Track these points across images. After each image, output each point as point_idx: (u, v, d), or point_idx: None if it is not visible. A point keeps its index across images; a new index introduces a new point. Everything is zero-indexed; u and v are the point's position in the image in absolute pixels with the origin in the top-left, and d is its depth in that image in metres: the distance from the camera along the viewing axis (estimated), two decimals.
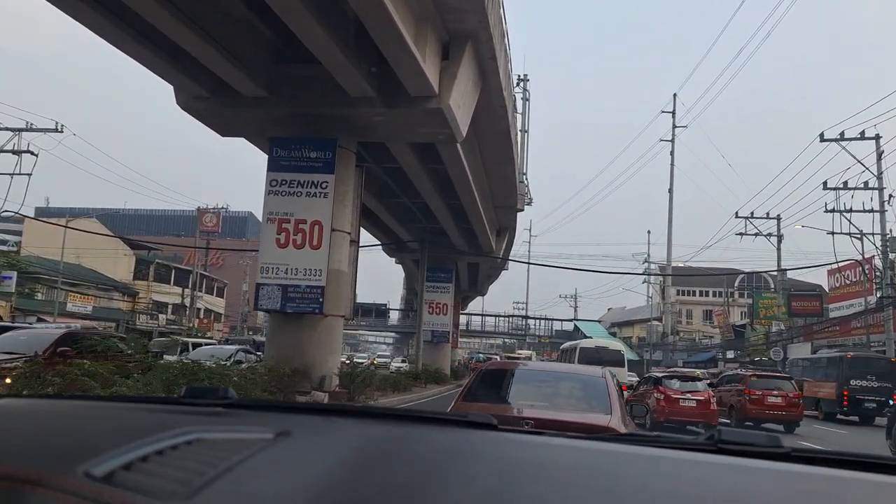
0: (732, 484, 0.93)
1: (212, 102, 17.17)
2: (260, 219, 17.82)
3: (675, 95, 64.29)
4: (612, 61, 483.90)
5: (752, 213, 42.22)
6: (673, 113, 63.78)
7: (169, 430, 1.00)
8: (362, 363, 25.13)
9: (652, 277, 66.95)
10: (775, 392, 19.72)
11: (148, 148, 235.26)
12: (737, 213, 42.36)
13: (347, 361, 21.34)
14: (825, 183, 34.11)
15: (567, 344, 29.87)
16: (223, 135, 19.00)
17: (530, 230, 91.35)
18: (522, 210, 34.40)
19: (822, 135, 33.58)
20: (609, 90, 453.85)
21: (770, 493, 0.89)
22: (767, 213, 41.94)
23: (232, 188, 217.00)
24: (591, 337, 33.34)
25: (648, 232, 76.81)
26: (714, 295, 72.39)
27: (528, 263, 56.14)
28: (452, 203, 29.45)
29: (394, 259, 47.58)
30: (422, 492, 0.85)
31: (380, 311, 75.72)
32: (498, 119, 21.77)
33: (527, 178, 33.91)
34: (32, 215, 55.69)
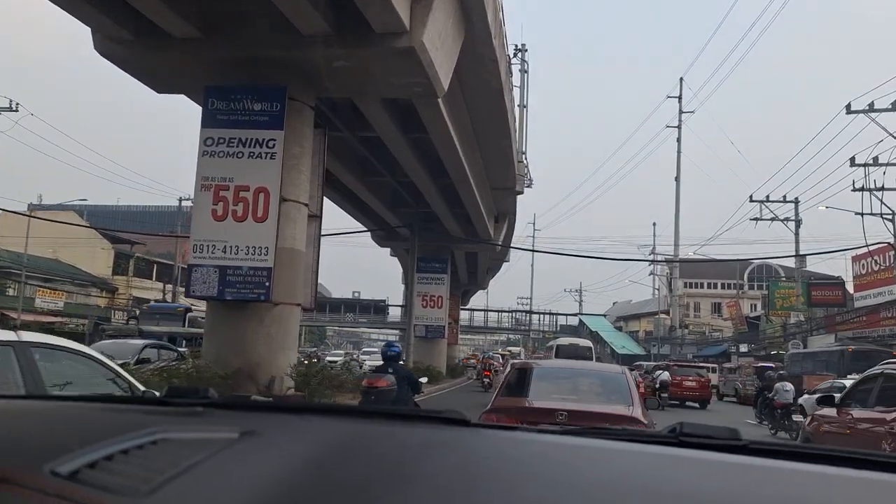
0: (692, 476, 0.94)
1: (136, 47, 13.84)
2: None
3: (681, 80, 60.68)
4: (615, 47, 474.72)
5: (767, 197, 38.84)
6: (679, 98, 60.23)
7: (137, 429, 1.00)
8: (336, 361, 21.95)
9: (658, 269, 63.57)
10: (691, 378, 26.02)
11: (149, 143, 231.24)
12: (751, 196, 38.95)
13: (306, 360, 17.97)
14: (853, 159, 30.66)
15: (550, 342, 34.15)
16: (158, 90, 15.69)
17: (534, 224, 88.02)
18: (522, 192, 31.02)
19: (848, 106, 30.12)
20: (613, 77, 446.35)
21: (727, 484, 0.90)
22: (784, 197, 38.54)
23: None
24: (570, 338, 33.13)
25: (654, 224, 73.38)
26: (723, 287, 68.89)
27: (531, 251, 52.94)
28: (443, 183, 26.10)
29: (388, 251, 44.33)
30: (387, 487, 0.83)
31: (378, 308, 72.75)
32: (488, 76, 18.41)
33: (526, 158, 30.63)
34: (27, 211, 52.75)
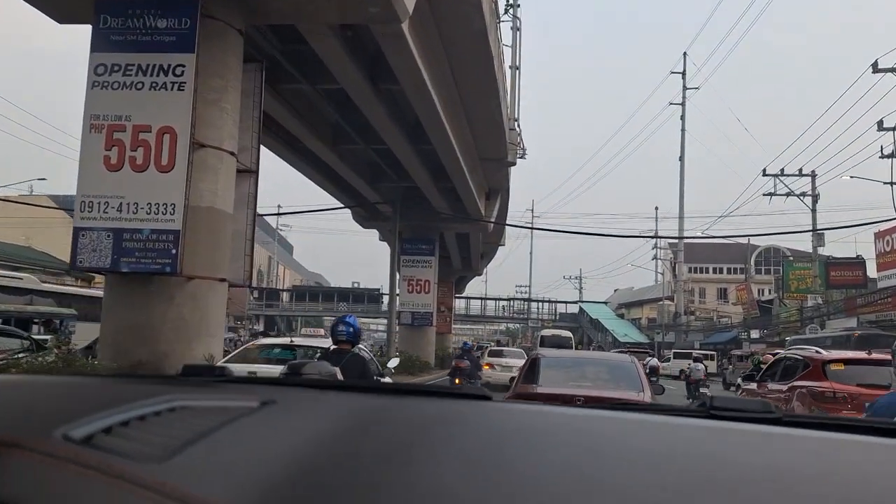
0: (724, 446, 0.92)
1: None
2: None
3: (684, 54, 57.77)
4: (614, 24, 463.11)
5: (782, 171, 35.64)
6: (683, 73, 57.20)
7: (154, 398, 0.97)
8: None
9: (661, 253, 60.43)
10: None
11: None
12: (764, 170, 35.84)
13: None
14: (880, 122, 27.53)
15: (537, 333, 38.50)
16: (59, 20, 12.54)
17: (532, 210, 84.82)
18: (514, 164, 27.80)
19: (875, 64, 26.94)
20: (613, 55, 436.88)
21: (761, 453, 0.88)
22: (800, 170, 35.36)
23: None
24: (556, 333, 34.10)
25: (656, 208, 70.00)
26: (729, 272, 65.76)
27: (528, 227, 49.92)
28: (424, 150, 22.93)
29: (378, 235, 41.17)
30: (407, 458, 0.81)
31: (372, 297, 69.64)
32: (468, 8, 15.24)
33: (519, 126, 27.38)
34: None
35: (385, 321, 71.74)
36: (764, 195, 35.66)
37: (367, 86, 17.05)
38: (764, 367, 11.71)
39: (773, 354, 15.15)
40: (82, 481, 0.73)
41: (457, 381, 13.28)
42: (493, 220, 32.53)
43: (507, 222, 37.74)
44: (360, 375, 5.75)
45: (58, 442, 0.79)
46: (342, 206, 27.93)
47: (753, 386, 10.82)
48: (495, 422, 1.02)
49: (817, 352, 10.39)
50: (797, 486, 0.76)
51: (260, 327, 67.85)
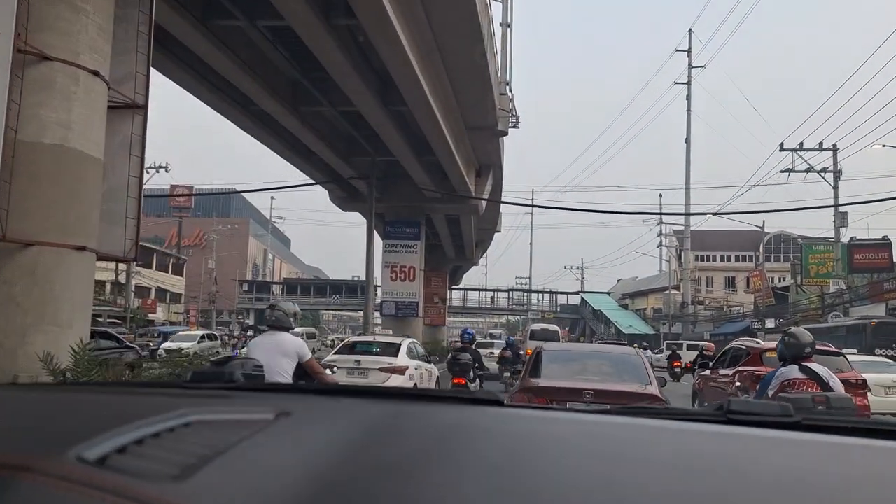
0: (743, 453, 0.90)
1: None
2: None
3: (690, 31, 54.25)
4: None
5: (800, 145, 32.33)
6: (689, 51, 53.85)
7: (166, 413, 0.94)
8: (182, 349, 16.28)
9: (667, 240, 57.17)
10: None
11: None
12: (782, 144, 32.48)
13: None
14: None
15: (528, 327, 37.90)
16: None
17: (532, 199, 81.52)
18: (506, 133, 24.52)
19: None
20: (615, 35, 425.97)
21: (780, 460, 0.86)
22: (820, 144, 32.03)
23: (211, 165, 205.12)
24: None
25: (660, 195, 66.92)
26: (738, 259, 62.43)
27: (531, 206, 46.96)
28: (398, 112, 19.73)
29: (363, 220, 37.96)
30: (425, 467, 0.81)
31: (365, 289, 66.47)
32: None
33: (511, 91, 24.16)
34: None
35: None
36: (781, 171, 32.38)
37: (319, 22, 13.82)
38: (708, 354, 16.18)
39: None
40: None
41: (455, 380, 11.56)
42: (483, 197, 29.26)
43: (510, 224, 34.33)
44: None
45: (72, 464, 0.76)
46: (312, 182, 24.70)
47: (707, 372, 12.45)
48: (511, 429, 1.00)
49: (757, 343, 12.50)
50: (817, 492, 0.75)
51: (251, 321, 64.87)
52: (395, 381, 11.69)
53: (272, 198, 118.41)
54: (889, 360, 15.58)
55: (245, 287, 68.10)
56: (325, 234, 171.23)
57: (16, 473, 0.73)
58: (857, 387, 8.77)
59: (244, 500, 0.71)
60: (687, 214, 41.37)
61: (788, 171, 32.11)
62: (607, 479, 0.77)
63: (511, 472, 0.79)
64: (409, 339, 13.40)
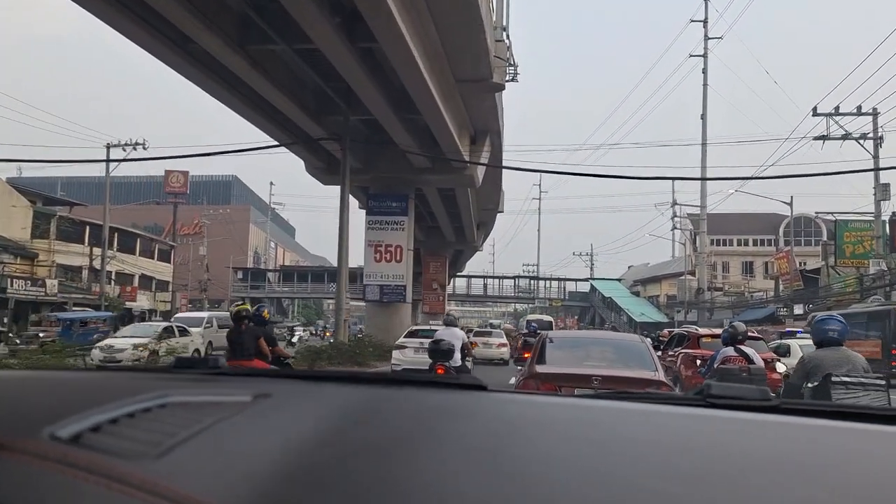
0: (722, 435, 0.91)
1: None
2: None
3: (705, 0, 50.35)
4: None
5: (836, 109, 28.54)
6: (705, 21, 50.02)
7: (144, 395, 0.94)
8: None
9: (680, 223, 53.31)
10: None
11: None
12: (815, 109, 28.72)
13: None
14: None
15: (525, 317, 41.96)
16: None
17: (539, 185, 77.87)
18: (503, 87, 20.86)
19: None
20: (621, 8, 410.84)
21: (759, 442, 0.87)
22: (859, 108, 28.22)
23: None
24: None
25: (672, 180, 62.84)
26: (755, 244, 58.57)
27: (536, 171, 43.17)
28: (365, 49, 16.21)
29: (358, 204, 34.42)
30: (405, 449, 0.81)
31: (352, 276, 62.70)
32: None
33: (509, 38, 20.51)
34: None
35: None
36: (815, 139, 28.63)
37: None
38: (663, 339, 17.85)
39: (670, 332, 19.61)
40: (71, 482, 0.70)
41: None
42: (481, 172, 25.67)
43: (517, 206, 30.78)
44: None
45: (45, 442, 0.76)
46: (276, 144, 21.12)
47: (659, 353, 13.33)
48: (492, 413, 1.00)
49: (696, 329, 16.15)
50: (794, 474, 0.75)
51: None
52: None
53: (271, 183, 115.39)
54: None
55: (240, 275, 64.84)
56: (331, 222, 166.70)
57: None
58: (770, 363, 10.71)
59: (219, 479, 0.71)
60: (709, 179, 37.71)
61: (823, 137, 28.37)
62: (589, 461, 0.77)
63: (493, 455, 0.78)
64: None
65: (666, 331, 26.24)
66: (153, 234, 56.07)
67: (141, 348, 16.84)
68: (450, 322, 11.80)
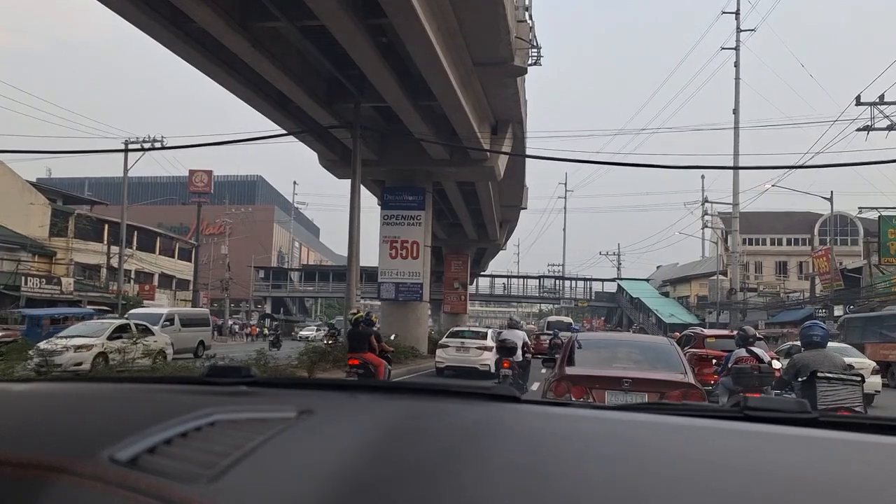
0: (760, 450, 0.89)
1: None
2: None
3: None
4: None
5: (881, 98, 26.71)
6: (737, 13, 48.21)
7: (192, 411, 0.96)
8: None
9: (712, 222, 51.32)
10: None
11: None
12: (858, 98, 26.92)
13: None
14: None
15: (545, 318, 42.52)
16: None
17: (566, 183, 76.22)
18: (525, 71, 19.47)
19: None
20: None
21: (798, 458, 0.86)
22: None
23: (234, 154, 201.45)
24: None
25: (702, 176, 60.62)
26: (789, 243, 56.40)
27: (564, 160, 41.64)
28: (375, 27, 14.97)
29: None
30: (448, 467, 0.81)
31: (372, 275, 61.67)
32: None
33: (531, 18, 19.14)
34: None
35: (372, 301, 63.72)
36: (858, 130, 26.82)
37: None
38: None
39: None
40: None
41: (504, 363, 12.61)
42: (501, 163, 24.30)
43: (540, 204, 29.38)
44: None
45: (105, 464, 0.77)
46: (283, 133, 19.94)
47: None
48: (530, 427, 1.00)
49: (702, 329, 16.78)
50: (834, 491, 0.75)
51: (268, 308, 60.98)
52: (486, 354, 16.82)
53: (294, 183, 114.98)
54: (843, 344, 16.82)
55: (261, 274, 64.12)
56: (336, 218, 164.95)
57: (50, 474, 0.73)
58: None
59: (272, 501, 0.72)
60: (746, 168, 35.66)
61: (867, 128, 26.56)
62: (625, 477, 0.77)
63: (528, 471, 0.79)
64: (490, 329, 17.42)
65: (676, 333, 26.06)
66: (178, 235, 55.65)
67: (85, 349, 14.79)
68: (513, 324, 13.64)
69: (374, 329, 11.72)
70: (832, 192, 32.96)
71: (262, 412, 1.01)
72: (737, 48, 48.13)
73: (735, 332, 10.65)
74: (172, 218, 71.71)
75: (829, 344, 16.88)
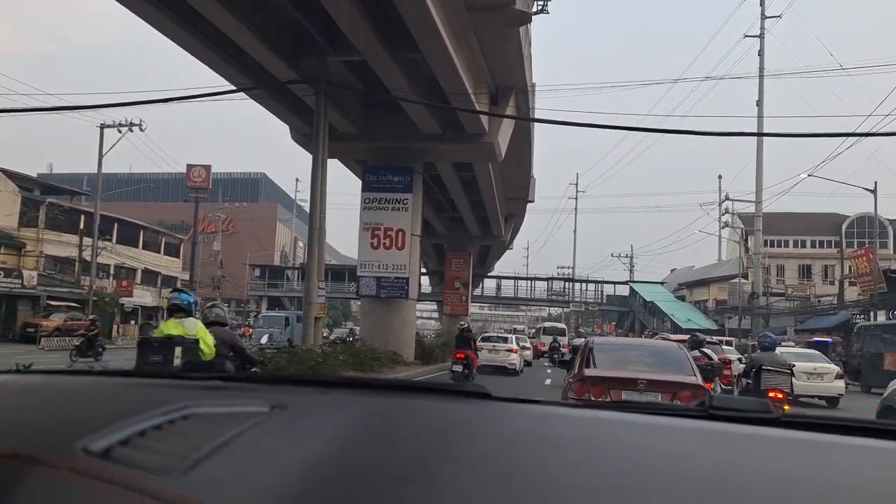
0: (723, 449, 0.91)
1: None
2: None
3: None
4: None
5: None
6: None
7: (166, 404, 0.97)
8: None
9: (732, 221, 47.48)
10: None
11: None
12: None
13: None
14: None
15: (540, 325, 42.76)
16: None
17: (577, 184, 72.31)
18: (529, 20, 15.94)
19: None
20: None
21: (759, 457, 0.87)
22: None
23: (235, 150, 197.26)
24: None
25: (720, 176, 57.04)
26: (813, 245, 52.48)
27: (576, 125, 38.25)
28: None
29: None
30: (420, 464, 0.82)
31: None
32: None
33: None
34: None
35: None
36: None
37: None
38: None
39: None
40: (106, 497, 0.72)
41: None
42: (503, 141, 20.70)
43: (554, 209, 25.80)
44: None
45: (78, 456, 0.77)
46: (234, 89, 16.51)
47: None
48: (499, 423, 1.02)
49: (670, 336, 18.13)
50: (794, 490, 0.76)
51: (264, 307, 57.61)
52: (513, 355, 21.25)
53: (297, 180, 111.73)
54: (813, 351, 17.74)
55: (257, 272, 60.79)
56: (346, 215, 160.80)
57: (23, 465, 0.74)
58: (725, 362, 12.91)
59: (244, 494, 0.73)
60: (760, 138, 31.90)
61: None
62: (590, 473, 0.78)
63: (497, 468, 0.79)
64: (515, 334, 22.92)
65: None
66: (179, 233, 52.54)
67: None
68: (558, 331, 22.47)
69: (472, 334, 17.81)
70: (875, 182, 29.10)
71: (236, 406, 1.00)
72: (761, 35, 44.31)
73: (688, 337, 13.03)
74: (174, 215, 68.70)
75: (809, 350, 17.82)
